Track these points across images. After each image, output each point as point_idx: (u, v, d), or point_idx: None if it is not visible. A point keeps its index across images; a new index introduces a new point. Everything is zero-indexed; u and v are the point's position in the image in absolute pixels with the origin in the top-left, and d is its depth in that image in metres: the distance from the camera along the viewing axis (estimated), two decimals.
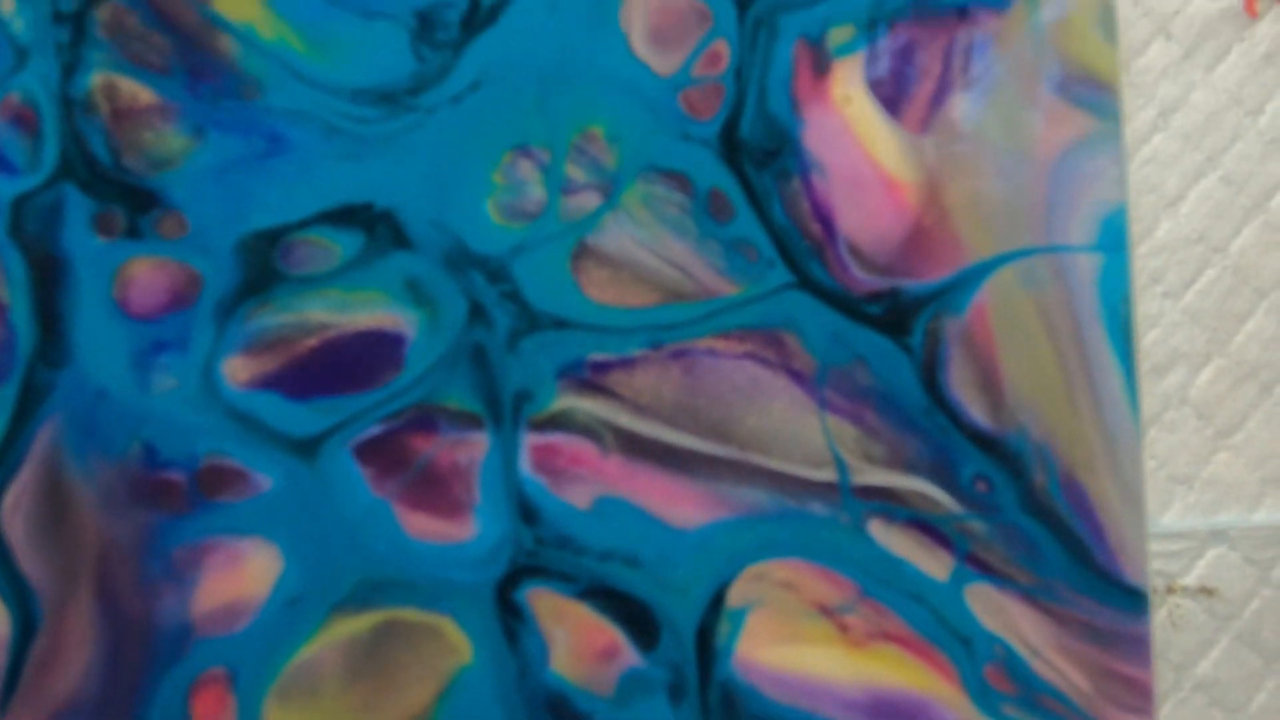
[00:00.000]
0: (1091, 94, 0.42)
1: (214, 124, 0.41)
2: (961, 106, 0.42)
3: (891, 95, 0.42)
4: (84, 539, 0.40)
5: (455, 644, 0.40)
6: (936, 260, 0.42)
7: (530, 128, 0.41)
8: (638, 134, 0.42)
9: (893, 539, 0.41)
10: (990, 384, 0.42)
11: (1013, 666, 0.41)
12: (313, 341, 0.41)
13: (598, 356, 0.41)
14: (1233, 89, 0.46)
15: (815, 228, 0.42)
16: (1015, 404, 0.42)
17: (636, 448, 0.41)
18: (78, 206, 0.40)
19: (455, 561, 0.40)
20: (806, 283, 0.42)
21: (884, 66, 0.42)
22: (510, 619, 0.40)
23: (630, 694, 0.40)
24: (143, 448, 0.40)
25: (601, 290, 0.41)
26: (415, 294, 0.41)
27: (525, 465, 0.41)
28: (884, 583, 0.41)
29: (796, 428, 0.41)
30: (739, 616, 0.41)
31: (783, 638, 0.41)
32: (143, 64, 0.41)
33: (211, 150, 0.41)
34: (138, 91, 0.41)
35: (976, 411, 0.42)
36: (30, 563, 0.39)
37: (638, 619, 0.41)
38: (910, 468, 0.41)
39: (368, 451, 0.40)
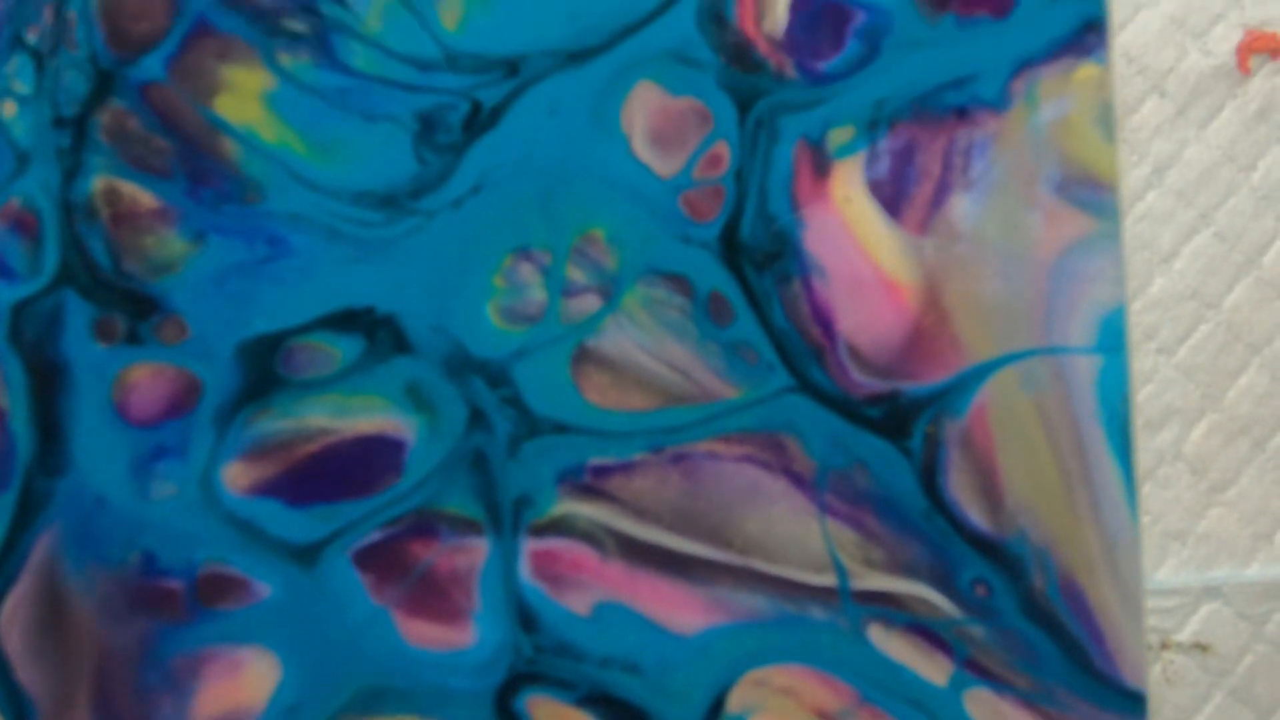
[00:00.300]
0: (1091, 194, 0.43)
1: (215, 228, 0.41)
2: (961, 207, 0.42)
3: (891, 196, 0.42)
4: (82, 648, 0.40)
5: None
6: (936, 362, 0.42)
7: (531, 230, 0.42)
8: (639, 236, 0.42)
9: (892, 644, 0.41)
10: (990, 487, 0.42)
11: None
12: (312, 447, 0.41)
13: (598, 461, 0.41)
14: (1226, 145, 0.46)
15: (815, 330, 0.42)
16: (1015, 507, 0.42)
17: (636, 553, 0.41)
18: (78, 312, 0.40)
19: (454, 669, 0.40)
20: (806, 386, 0.42)
21: (884, 167, 0.42)
22: None
23: None
24: (141, 556, 0.40)
25: (602, 394, 0.41)
26: (415, 399, 0.41)
27: (525, 571, 0.41)
28: (883, 688, 0.41)
29: (796, 532, 0.41)
30: None
31: None
32: (144, 168, 0.41)
33: (212, 255, 0.41)
34: (139, 196, 0.41)
35: (976, 515, 0.42)
36: (28, 673, 0.39)
37: None
38: (910, 572, 0.41)
39: (367, 558, 0.40)
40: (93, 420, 0.40)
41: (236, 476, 0.40)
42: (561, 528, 0.41)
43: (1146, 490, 0.45)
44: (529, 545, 0.41)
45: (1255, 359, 0.46)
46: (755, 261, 0.42)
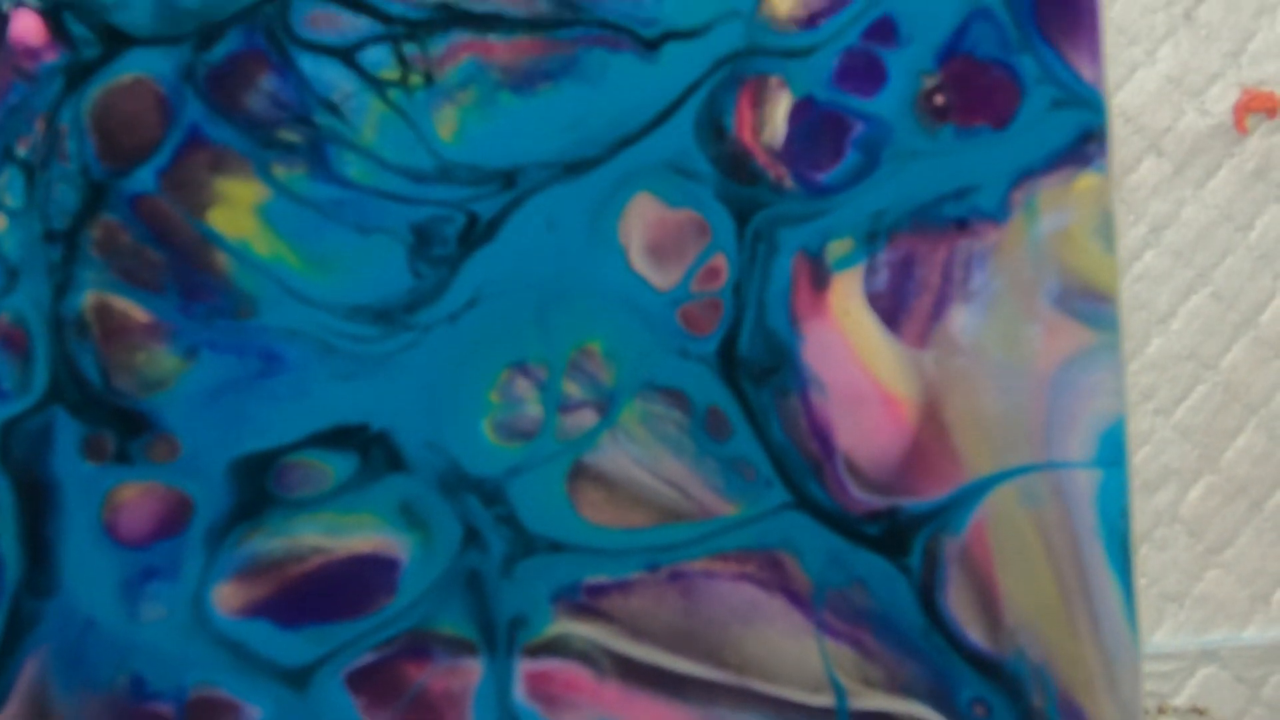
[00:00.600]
0: (1090, 306, 0.42)
1: (207, 344, 0.40)
2: (960, 320, 0.42)
3: (890, 308, 0.42)
4: None
5: None
6: (935, 478, 0.42)
7: (528, 344, 0.41)
8: (636, 350, 0.41)
9: None
10: (988, 604, 0.41)
11: None
12: (305, 567, 0.40)
13: (594, 580, 0.41)
14: (1223, 205, 0.46)
15: (813, 446, 0.42)
16: (1013, 625, 0.41)
17: (633, 673, 0.41)
18: (67, 430, 0.40)
19: None
20: (805, 502, 0.41)
21: (883, 279, 0.42)
22: None
23: None
24: (130, 679, 0.39)
25: (598, 511, 0.41)
26: (409, 517, 0.40)
27: (519, 692, 0.40)
28: None
29: (794, 651, 0.41)
30: None
31: None
32: (135, 282, 0.40)
33: (204, 371, 0.40)
34: (130, 311, 0.40)
35: (975, 633, 0.41)
36: None
37: None
38: (908, 691, 0.41)
39: (360, 680, 0.40)
40: (82, 540, 0.39)
41: (227, 597, 0.40)
42: (557, 648, 0.40)
43: (1144, 552, 0.45)
44: (523, 666, 0.40)
45: (1253, 419, 0.46)
46: (753, 376, 0.42)
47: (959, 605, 0.41)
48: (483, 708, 0.40)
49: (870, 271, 0.42)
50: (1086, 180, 0.43)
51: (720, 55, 0.42)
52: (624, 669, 0.41)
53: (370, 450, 0.40)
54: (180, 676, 0.39)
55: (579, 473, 0.41)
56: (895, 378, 0.42)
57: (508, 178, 0.41)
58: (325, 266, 0.41)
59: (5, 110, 0.40)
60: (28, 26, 0.41)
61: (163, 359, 0.40)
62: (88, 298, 0.40)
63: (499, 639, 0.40)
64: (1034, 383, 0.42)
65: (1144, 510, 0.45)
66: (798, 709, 0.41)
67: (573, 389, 0.41)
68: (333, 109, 0.41)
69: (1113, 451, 0.42)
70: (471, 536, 0.41)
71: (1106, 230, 0.43)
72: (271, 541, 0.40)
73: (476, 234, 0.41)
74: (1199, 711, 0.45)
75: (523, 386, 0.41)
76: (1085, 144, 0.43)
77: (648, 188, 0.42)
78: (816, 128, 0.42)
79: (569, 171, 0.42)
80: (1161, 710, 0.45)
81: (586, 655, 0.41)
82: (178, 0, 0.41)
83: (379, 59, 0.41)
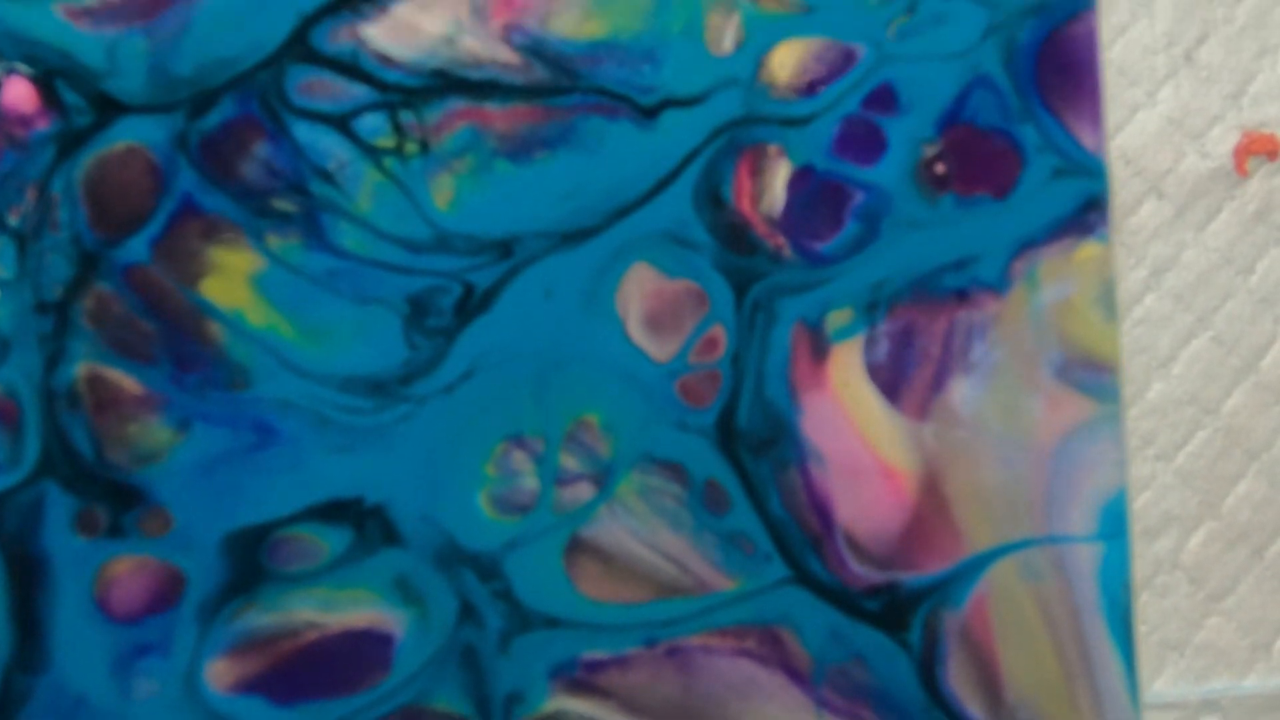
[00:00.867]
0: (1092, 377, 0.42)
1: (200, 416, 0.40)
2: (961, 392, 0.42)
3: (890, 380, 0.42)
4: None
5: None
6: (935, 552, 0.41)
7: (524, 416, 0.41)
8: (633, 423, 0.41)
9: None
10: (989, 680, 0.41)
11: None
12: (299, 642, 0.40)
13: (591, 655, 0.40)
14: (1224, 248, 0.46)
15: (813, 519, 0.41)
16: (1015, 700, 0.41)
17: None
18: (58, 505, 0.39)
19: None
20: (804, 577, 0.41)
21: (883, 350, 0.42)
22: None
23: None
24: None
25: (595, 586, 0.41)
26: (405, 592, 0.40)
27: None
28: None
29: None
30: None
31: None
32: (128, 353, 0.40)
33: (197, 443, 0.40)
34: (122, 382, 0.40)
35: (975, 709, 0.41)
36: None
37: None
38: None
39: None
40: (73, 616, 0.39)
41: (220, 674, 0.39)
42: None
43: (1144, 599, 0.45)
44: None
45: (1254, 465, 0.46)
46: (752, 448, 0.41)
47: (960, 681, 0.41)
48: None
49: (870, 342, 0.42)
50: (1088, 250, 0.42)
51: (719, 123, 0.42)
52: None
53: (365, 524, 0.40)
54: None
55: (576, 547, 0.41)
56: (895, 450, 0.42)
57: (504, 247, 0.41)
58: (320, 337, 0.40)
59: None
60: (19, 93, 0.40)
61: (155, 431, 0.40)
62: (80, 369, 0.40)
63: (495, 715, 0.40)
64: (1035, 455, 0.42)
65: (1144, 557, 0.45)
66: None
67: (570, 462, 0.41)
68: (328, 177, 0.41)
69: (1115, 524, 0.42)
70: (467, 611, 0.40)
71: (1108, 300, 0.42)
72: (265, 617, 0.40)
73: (473, 305, 0.41)
74: None
75: (519, 459, 0.41)
76: (1087, 213, 0.42)
77: (646, 258, 0.41)
78: (816, 197, 0.42)
79: (566, 241, 0.41)
80: None
81: None
82: (171, 67, 0.40)
83: (375, 127, 0.41)
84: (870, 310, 0.42)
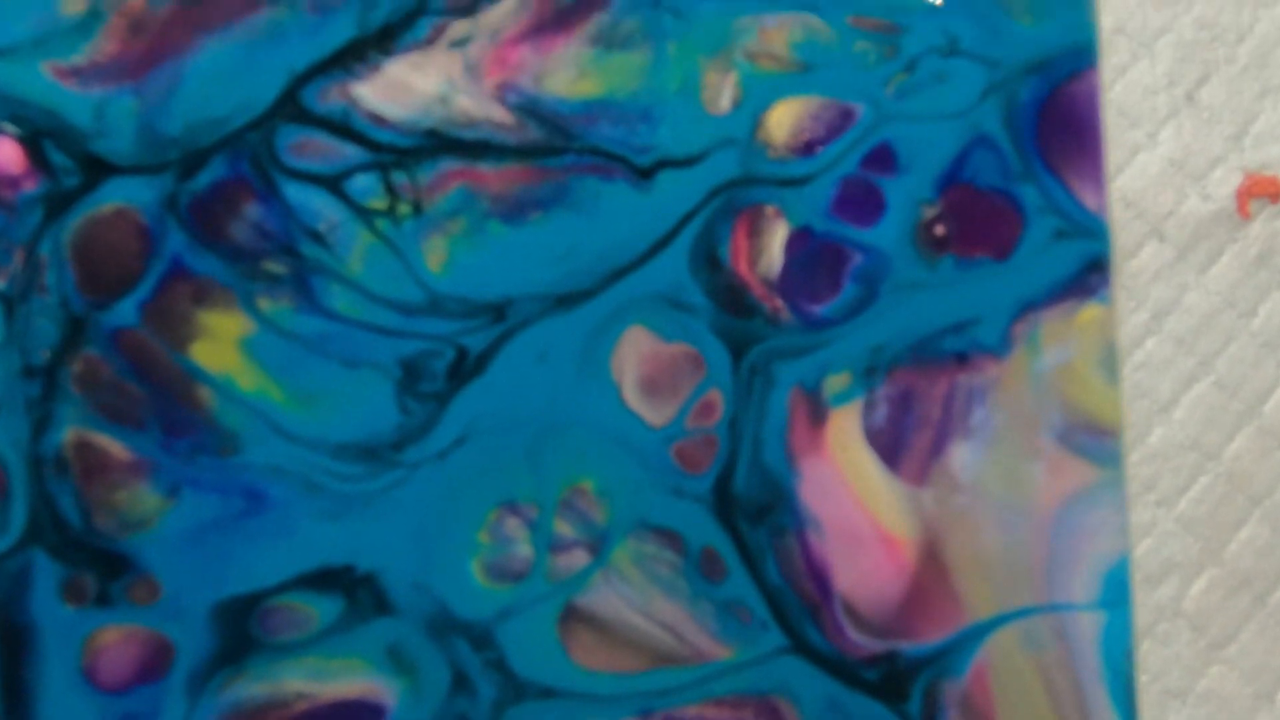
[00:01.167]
0: (1093, 441, 0.41)
1: (189, 482, 0.39)
2: (961, 457, 0.41)
3: (889, 445, 0.41)
4: None
5: None
6: (935, 620, 0.41)
7: (518, 483, 0.40)
8: (629, 489, 0.40)
9: None
10: None
11: None
12: (289, 713, 0.39)
13: None
14: (1226, 291, 0.45)
15: (810, 587, 0.41)
16: None
17: None
18: (46, 573, 0.39)
19: None
20: (802, 646, 0.40)
21: (882, 415, 0.41)
22: None
23: None
24: None
25: (590, 655, 0.40)
26: (397, 662, 0.40)
27: None
28: None
29: None
30: None
31: None
32: (116, 418, 0.39)
33: (186, 510, 0.39)
34: (111, 448, 0.39)
35: None
36: None
37: None
38: None
39: None
40: (60, 686, 0.38)
41: None
42: None
43: (1145, 647, 0.44)
44: None
45: (1256, 511, 0.45)
46: (749, 515, 0.41)
47: None
48: None
49: (869, 407, 0.41)
50: (1090, 312, 0.42)
51: (715, 184, 0.41)
52: None
53: (356, 592, 0.40)
54: None
55: (570, 615, 0.40)
56: (894, 517, 0.41)
57: (498, 310, 0.40)
58: (311, 402, 0.40)
59: None
60: (7, 155, 0.40)
61: (144, 498, 0.39)
62: (67, 434, 0.39)
63: None
64: (1036, 522, 0.41)
65: (1145, 604, 0.44)
66: None
67: (564, 528, 0.40)
68: (319, 239, 0.40)
69: (1117, 592, 0.41)
70: (460, 682, 0.40)
71: (1110, 363, 0.42)
72: (255, 687, 0.39)
73: (466, 369, 0.40)
74: None
75: (513, 526, 0.40)
76: (1089, 275, 0.42)
77: (641, 321, 0.41)
78: (814, 259, 0.41)
79: (560, 304, 0.41)
80: None
81: None
82: (160, 127, 0.40)
83: (366, 188, 0.40)
84: (869, 374, 0.41)
